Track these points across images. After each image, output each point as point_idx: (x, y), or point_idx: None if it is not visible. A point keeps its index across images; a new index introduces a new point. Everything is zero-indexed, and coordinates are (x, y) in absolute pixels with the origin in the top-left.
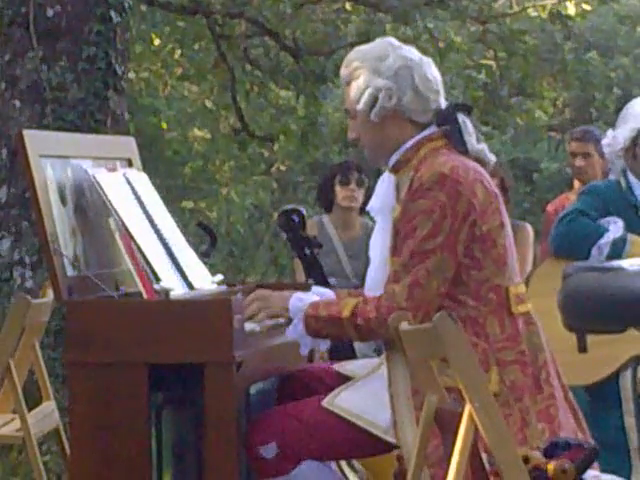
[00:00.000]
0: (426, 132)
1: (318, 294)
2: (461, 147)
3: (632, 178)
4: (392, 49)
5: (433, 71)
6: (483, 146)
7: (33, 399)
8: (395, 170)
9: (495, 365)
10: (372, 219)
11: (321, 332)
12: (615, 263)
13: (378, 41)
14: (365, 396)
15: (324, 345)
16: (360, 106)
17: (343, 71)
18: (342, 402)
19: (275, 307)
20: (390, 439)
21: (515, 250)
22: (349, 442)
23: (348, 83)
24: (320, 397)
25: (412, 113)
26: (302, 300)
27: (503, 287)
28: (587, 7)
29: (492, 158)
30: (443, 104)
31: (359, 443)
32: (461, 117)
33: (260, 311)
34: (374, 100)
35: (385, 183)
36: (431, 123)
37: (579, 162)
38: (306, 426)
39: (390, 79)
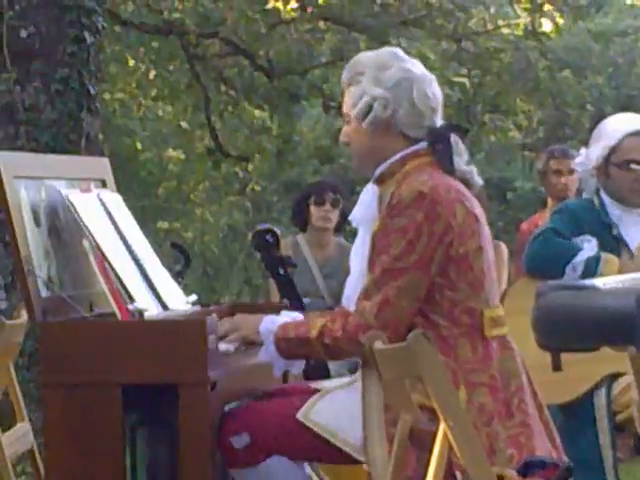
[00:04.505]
0: (415, 147)
1: (288, 317)
2: (448, 166)
3: (605, 197)
4: (396, 60)
5: (434, 88)
6: (472, 168)
7: (7, 420)
8: (379, 182)
9: (464, 385)
10: (347, 238)
11: (293, 353)
12: (589, 282)
13: (384, 50)
14: (340, 411)
15: (298, 368)
16: (355, 112)
17: (345, 74)
18: (317, 416)
19: (246, 330)
20: (362, 458)
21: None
22: (321, 450)
23: (348, 86)
24: (297, 406)
25: (405, 127)
26: (273, 322)
27: (477, 310)
28: (561, 20)
29: (479, 182)
30: (438, 122)
31: (331, 453)
32: (454, 137)
33: (230, 334)
34: (369, 108)
35: (369, 194)
36: (423, 139)
37: (565, 179)
38: (280, 428)
39: (388, 90)
